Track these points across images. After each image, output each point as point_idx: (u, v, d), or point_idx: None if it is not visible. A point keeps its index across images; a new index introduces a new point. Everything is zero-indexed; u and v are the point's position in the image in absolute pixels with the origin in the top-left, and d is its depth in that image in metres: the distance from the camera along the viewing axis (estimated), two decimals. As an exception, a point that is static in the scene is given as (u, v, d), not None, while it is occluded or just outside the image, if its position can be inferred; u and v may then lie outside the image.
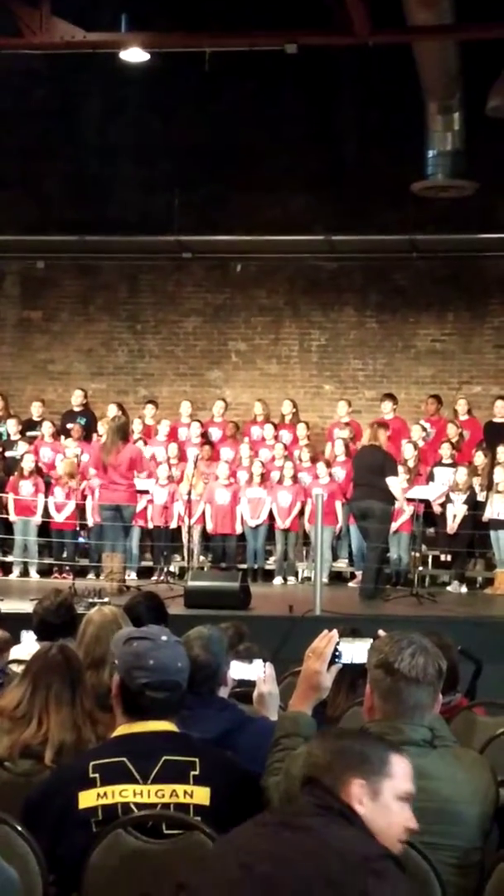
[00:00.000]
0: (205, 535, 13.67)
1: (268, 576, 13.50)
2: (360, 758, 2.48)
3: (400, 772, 2.52)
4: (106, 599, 9.06)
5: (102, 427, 13.68)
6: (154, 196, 15.57)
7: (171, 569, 13.22)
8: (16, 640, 6.01)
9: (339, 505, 13.21)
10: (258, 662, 4.11)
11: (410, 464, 13.06)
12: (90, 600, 9.07)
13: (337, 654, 3.33)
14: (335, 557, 13.51)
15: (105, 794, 3.03)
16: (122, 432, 12.08)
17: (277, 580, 13.34)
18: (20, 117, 15.72)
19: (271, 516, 13.42)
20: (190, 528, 12.82)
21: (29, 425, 14.74)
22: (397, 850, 2.48)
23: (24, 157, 15.83)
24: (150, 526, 13.58)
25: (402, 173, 14.20)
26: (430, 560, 13.40)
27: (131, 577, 12.74)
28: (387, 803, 2.47)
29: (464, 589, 12.71)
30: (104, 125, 15.95)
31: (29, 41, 11.95)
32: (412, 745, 3.03)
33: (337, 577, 13.40)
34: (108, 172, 15.86)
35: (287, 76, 14.19)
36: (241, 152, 15.34)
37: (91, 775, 3.05)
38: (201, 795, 3.04)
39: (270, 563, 13.66)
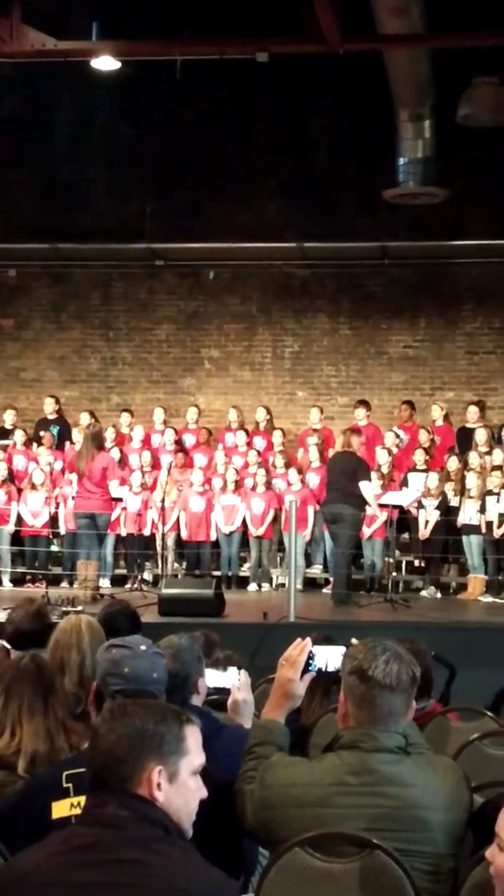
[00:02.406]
0: (179, 543, 13.65)
1: (242, 583, 13.50)
2: (157, 739, 2.42)
3: (194, 746, 2.48)
4: (79, 608, 9.04)
5: (77, 435, 13.64)
6: (126, 203, 15.55)
7: (145, 576, 13.19)
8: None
9: (311, 511, 13.23)
10: (233, 670, 4.11)
11: (384, 470, 13.09)
12: (63, 609, 9.04)
13: (311, 658, 3.34)
14: (309, 564, 13.52)
15: (79, 804, 3.01)
16: (97, 440, 12.06)
17: (252, 587, 13.33)
18: (-9, 125, 15.69)
19: (245, 523, 13.42)
20: (164, 535, 12.81)
21: (1, 433, 14.68)
22: (191, 822, 2.46)
23: (-6, 164, 15.78)
24: (124, 533, 13.54)
25: (374, 181, 14.27)
26: (403, 566, 13.43)
27: (105, 584, 12.71)
28: (184, 781, 2.44)
29: (438, 594, 12.75)
30: (76, 133, 15.92)
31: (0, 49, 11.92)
32: (386, 752, 3.04)
33: (311, 584, 13.41)
34: (80, 180, 15.83)
35: (259, 84, 14.21)
36: (213, 160, 15.36)
37: (65, 785, 3.04)
38: (175, 804, 3.02)
39: (245, 570, 13.66)
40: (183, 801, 2.43)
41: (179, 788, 2.42)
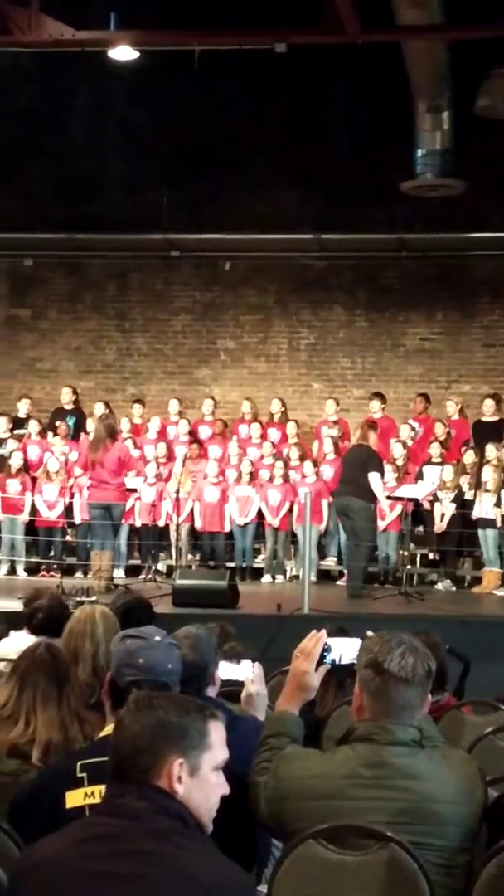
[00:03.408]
0: (193, 534, 13.66)
1: (256, 574, 13.49)
2: (180, 732, 2.41)
3: (217, 741, 2.48)
4: (93, 598, 9.05)
5: (91, 425, 13.66)
6: (143, 194, 15.54)
7: (159, 567, 13.20)
8: (3, 636, 6.00)
9: (325, 504, 13.21)
10: (246, 662, 4.10)
11: (399, 462, 13.07)
12: (77, 599, 9.05)
13: (326, 649, 3.33)
14: (323, 556, 13.51)
15: (92, 793, 3.01)
16: (111, 431, 12.07)
17: (266, 579, 13.33)
18: (8, 115, 15.66)
19: (259, 514, 13.41)
20: (178, 526, 12.81)
21: (17, 423, 14.71)
22: (212, 818, 2.46)
23: (12, 154, 15.77)
24: (139, 524, 13.56)
25: (392, 172, 14.22)
26: (418, 559, 13.41)
27: (119, 575, 12.73)
28: (205, 776, 2.43)
29: (452, 588, 12.73)
30: (93, 123, 15.93)
31: (18, 39, 11.92)
32: (400, 746, 3.03)
33: (325, 576, 13.40)
34: (97, 170, 15.84)
35: (276, 74, 14.17)
36: (231, 150, 15.32)
37: (78, 775, 3.04)
38: (188, 795, 3.03)
39: (259, 562, 13.66)
40: (203, 795, 2.43)
41: (200, 783, 2.42)
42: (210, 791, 2.44)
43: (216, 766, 2.46)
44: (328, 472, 13.49)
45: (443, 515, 12.79)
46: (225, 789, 2.48)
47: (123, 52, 12.57)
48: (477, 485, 12.70)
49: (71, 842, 2.34)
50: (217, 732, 2.48)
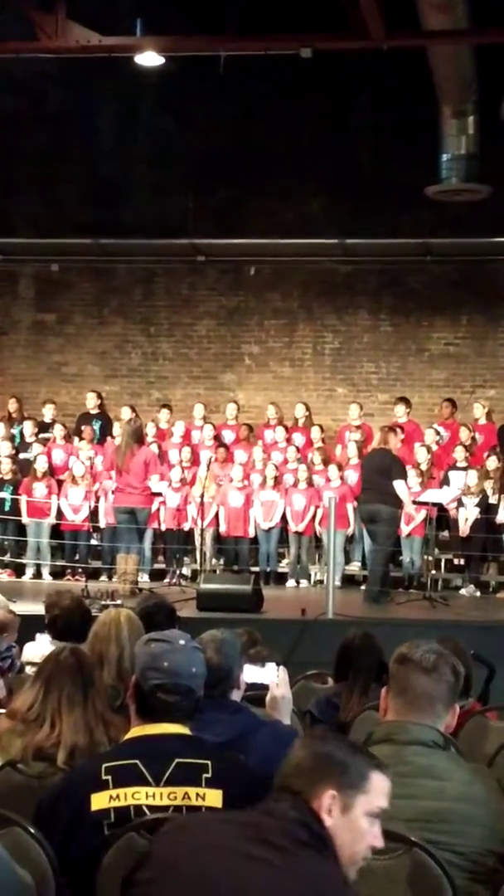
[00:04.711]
0: (217, 538, 13.68)
1: (280, 579, 13.50)
2: (340, 768, 2.46)
3: (377, 788, 2.50)
4: (118, 602, 9.07)
5: (118, 430, 13.71)
6: (168, 199, 15.60)
7: (184, 571, 13.23)
8: (29, 640, 6.04)
9: (350, 508, 13.20)
10: (271, 666, 4.11)
11: (423, 467, 13.04)
12: (103, 602, 9.08)
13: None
14: (348, 561, 13.50)
15: (117, 796, 3.03)
16: (137, 435, 12.12)
17: (290, 583, 13.34)
18: (35, 121, 15.80)
19: (284, 519, 13.42)
20: (203, 530, 12.83)
21: (42, 427, 14.78)
22: (358, 866, 2.47)
23: (39, 160, 15.88)
24: (163, 528, 13.59)
25: (417, 177, 14.21)
26: (442, 564, 13.39)
27: (143, 579, 12.76)
28: (356, 818, 2.45)
29: (477, 593, 12.69)
30: (119, 128, 16.00)
31: (45, 45, 12.00)
32: (420, 745, 3.04)
33: (349, 581, 13.39)
34: (123, 175, 15.90)
35: (302, 79, 14.19)
36: (256, 155, 15.36)
37: (103, 777, 3.06)
38: (213, 798, 3.04)
39: (283, 566, 13.66)
40: (351, 837, 2.44)
41: (350, 823, 2.44)
42: (359, 835, 2.46)
43: (371, 813, 2.48)
44: (352, 476, 13.47)
45: (467, 520, 12.76)
46: (378, 843, 2.50)
47: (149, 58, 12.63)
48: (501, 489, 12.67)
49: (217, 819, 2.49)
50: (380, 781, 2.51)
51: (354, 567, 13.56)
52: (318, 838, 2.37)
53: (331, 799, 2.42)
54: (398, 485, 11.56)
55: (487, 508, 12.70)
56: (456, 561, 13.29)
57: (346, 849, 2.43)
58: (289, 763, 2.51)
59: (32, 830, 3.02)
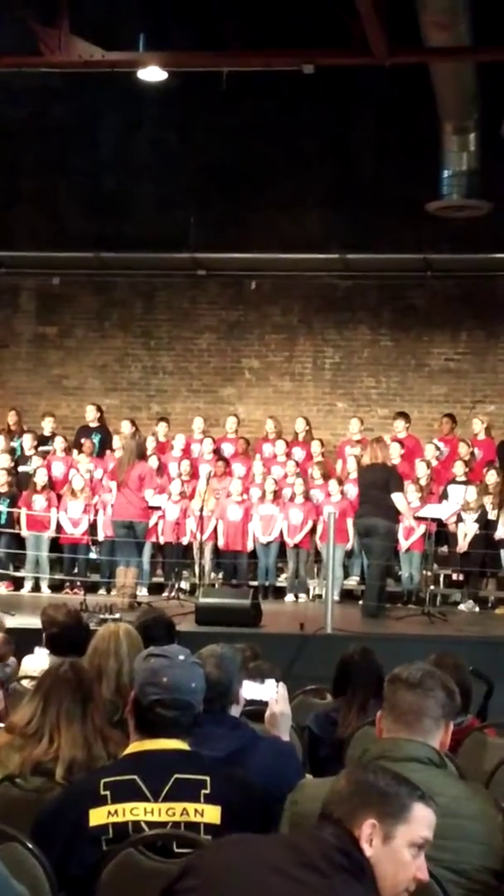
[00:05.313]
0: (216, 552, 13.67)
1: (279, 593, 13.48)
2: (381, 797, 2.45)
3: (419, 819, 2.47)
4: (117, 615, 9.06)
5: (119, 443, 13.71)
6: (170, 213, 15.63)
7: (183, 585, 13.21)
8: (28, 653, 6.04)
9: (350, 522, 13.19)
10: (270, 682, 4.11)
11: (423, 482, 13.05)
12: (101, 616, 9.07)
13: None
14: (347, 575, 13.49)
15: (116, 811, 3.03)
16: (140, 450, 12.14)
17: (289, 598, 13.32)
18: (38, 134, 15.83)
19: (283, 533, 13.41)
20: (202, 544, 12.83)
21: (42, 440, 14.79)
22: None
23: (41, 173, 15.93)
24: (162, 542, 13.58)
25: (418, 192, 14.25)
26: (441, 579, 13.38)
27: (142, 592, 12.75)
28: (397, 848, 2.42)
29: (476, 608, 12.68)
30: (121, 143, 16.05)
31: (48, 60, 12.03)
32: (415, 762, 3.03)
33: (348, 595, 13.37)
34: (125, 189, 15.94)
35: (304, 95, 14.25)
36: (257, 170, 15.41)
37: (102, 792, 3.05)
38: (212, 814, 3.03)
39: (282, 581, 13.65)
40: (393, 868, 2.42)
41: (391, 853, 2.42)
42: (401, 867, 2.43)
43: (413, 843, 2.45)
44: (352, 491, 13.46)
45: (466, 535, 12.76)
46: (422, 875, 2.48)
47: (152, 73, 12.67)
48: (500, 505, 12.67)
49: (265, 839, 2.52)
50: (423, 812, 2.48)
51: (353, 581, 13.54)
52: (357, 865, 2.36)
53: (371, 828, 2.41)
54: (396, 497, 11.57)
55: (486, 524, 12.69)
56: (455, 576, 13.26)
57: (388, 879, 2.40)
58: (332, 791, 2.51)
59: (30, 845, 3.01)
